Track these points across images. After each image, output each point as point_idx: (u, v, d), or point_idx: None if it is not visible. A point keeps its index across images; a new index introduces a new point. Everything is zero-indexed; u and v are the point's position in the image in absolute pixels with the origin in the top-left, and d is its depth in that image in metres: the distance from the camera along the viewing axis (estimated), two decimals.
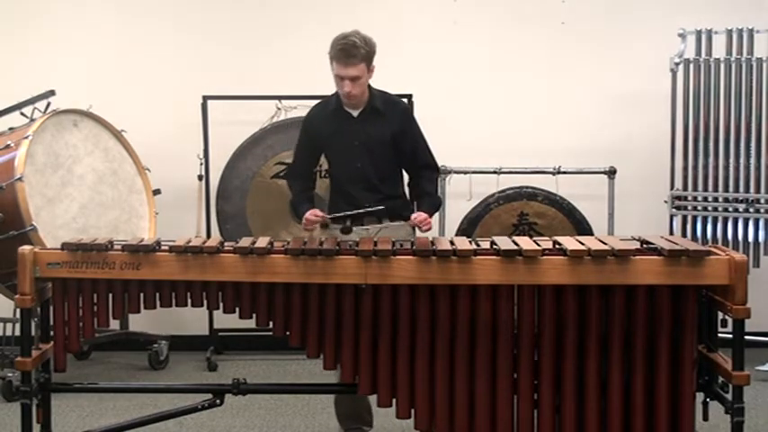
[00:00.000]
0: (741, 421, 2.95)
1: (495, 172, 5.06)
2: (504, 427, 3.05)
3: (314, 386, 3.87)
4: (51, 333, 3.24)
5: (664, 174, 5.12)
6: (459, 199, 5.07)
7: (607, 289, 2.99)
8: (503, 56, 5.39)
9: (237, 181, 5.14)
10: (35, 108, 4.74)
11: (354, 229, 3.72)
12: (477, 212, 5.06)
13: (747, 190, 4.92)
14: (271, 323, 3.13)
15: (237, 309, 3.13)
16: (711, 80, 4.95)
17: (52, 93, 4.78)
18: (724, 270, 2.93)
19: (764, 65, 4.87)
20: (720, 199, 4.98)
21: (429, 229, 3.77)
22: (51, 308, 3.22)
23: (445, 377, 3.06)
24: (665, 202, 5.08)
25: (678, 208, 5.05)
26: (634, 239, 3.18)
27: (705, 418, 3.10)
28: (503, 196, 5.09)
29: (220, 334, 5.28)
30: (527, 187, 5.12)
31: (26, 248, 3.14)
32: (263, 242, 3.13)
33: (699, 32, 4.99)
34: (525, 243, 3.07)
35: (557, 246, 3.07)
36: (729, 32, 4.93)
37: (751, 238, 4.94)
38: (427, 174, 3.93)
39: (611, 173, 5.14)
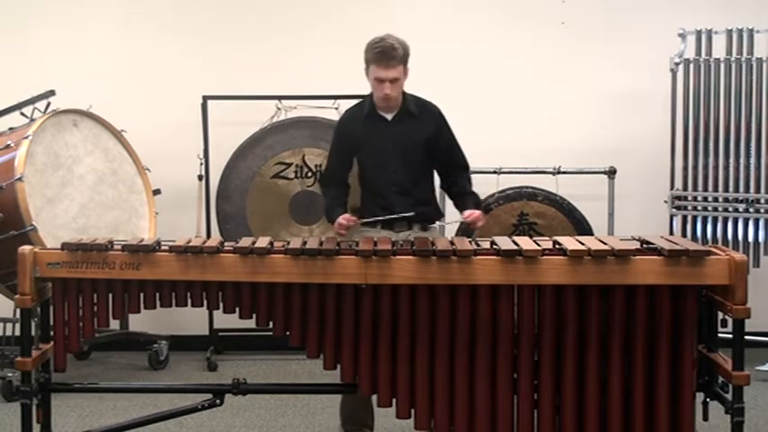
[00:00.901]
0: (741, 421, 2.96)
1: (495, 172, 5.06)
2: (504, 427, 3.05)
3: (314, 386, 3.87)
4: (51, 333, 3.24)
5: (664, 174, 5.12)
6: None
7: (607, 289, 2.99)
8: (502, 56, 5.39)
9: (237, 181, 5.14)
10: (35, 108, 4.74)
11: (384, 232, 3.74)
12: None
13: (747, 190, 4.92)
14: (271, 323, 3.13)
15: (237, 309, 3.13)
16: (711, 80, 4.95)
17: (52, 93, 4.78)
18: (724, 270, 2.93)
19: (764, 65, 4.87)
20: (720, 199, 4.98)
21: (482, 225, 3.84)
22: (51, 308, 3.22)
23: (445, 377, 3.06)
24: (665, 202, 5.08)
25: (678, 208, 5.05)
26: (634, 239, 3.18)
27: (705, 418, 3.10)
28: (503, 196, 5.09)
29: (220, 334, 5.28)
30: (527, 187, 5.12)
31: (26, 248, 3.14)
32: (263, 242, 3.13)
33: (699, 32, 4.99)
34: (525, 243, 3.08)
35: (557, 246, 3.08)
36: (729, 32, 4.93)
37: (751, 238, 4.94)
38: (465, 174, 3.99)
39: (611, 173, 5.14)
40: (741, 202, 4.95)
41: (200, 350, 5.24)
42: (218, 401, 3.37)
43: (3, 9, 5.41)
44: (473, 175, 4.05)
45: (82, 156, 4.78)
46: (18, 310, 3.23)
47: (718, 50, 4.96)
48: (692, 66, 4.98)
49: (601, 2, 5.43)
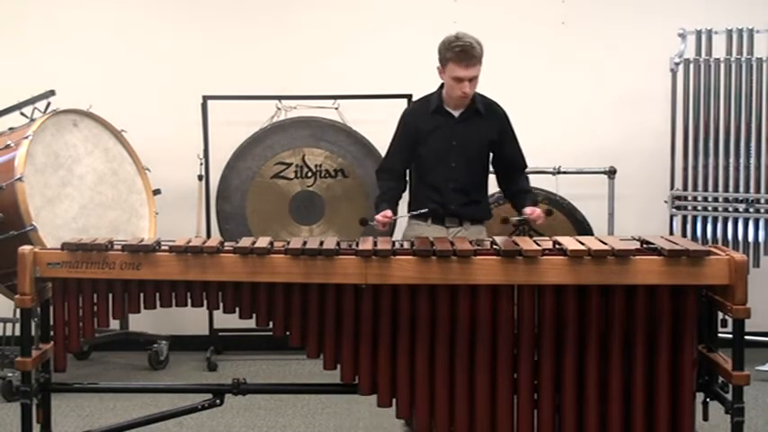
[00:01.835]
0: (741, 421, 2.95)
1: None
2: (504, 427, 3.05)
3: (314, 386, 3.87)
4: (51, 333, 3.24)
5: (664, 174, 5.12)
6: None
7: (607, 289, 2.99)
8: (502, 56, 5.37)
9: (237, 181, 5.14)
10: (35, 108, 4.74)
11: (434, 226, 3.76)
12: None
13: (747, 190, 4.93)
14: (271, 323, 3.13)
15: (237, 309, 3.13)
16: (711, 80, 4.95)
17: (52, 93, 4.78)
18: (724, 270, 2.93)
19: (764, 65, 4.87)
20: (720, 199, 4.98)
21: (541, 223, 3.93)
22: (51, 308, 3.21)
23: (445, 377, 3.05)
24: (665, 202, 5.09)
25: (678, 208, 5.05)
26: (634, 239, 3.18)
27: (705, 418, 3.10)
28: (503, 196, 5.08)
29: (220, 334, 5.28)
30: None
31: (26, 248, 3.13)
32: (263, 242, 3.13)
33: (699, 32, 4.99)
34: (525, 243, 3.08)
35: (557, 246, 3.08)
36: (729, 32, 4.93)
37: (751, 238, 4.94)
38: (524, 174, 4.07)
39: (611, 173, 5.14)
40: (741, 202, 4.95)
41: (200, 350, 5.24)
42: (218, 401, 3.37)
43: (2, 9, 5.41)
44: (488, 181, 4.10)
45: (82, 156, 4.78)
46: (18, 310, 3.22)
47: (718, 50, 4.96)
48: (692, 66, 4.99)
49: (601, 2, 5.43)
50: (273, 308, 3.11)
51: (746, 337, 2.98)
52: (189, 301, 3.14)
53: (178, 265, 3.08)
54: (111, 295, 3.15)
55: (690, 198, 5.03)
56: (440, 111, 3.89)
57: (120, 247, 3.14)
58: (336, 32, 5.43)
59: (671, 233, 5.00)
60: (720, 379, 3.07)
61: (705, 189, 5.00)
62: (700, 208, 5.02)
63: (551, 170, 5.10)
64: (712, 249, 3.02)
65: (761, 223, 4.92)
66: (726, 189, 4.96)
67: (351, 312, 3.07)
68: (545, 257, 2.98)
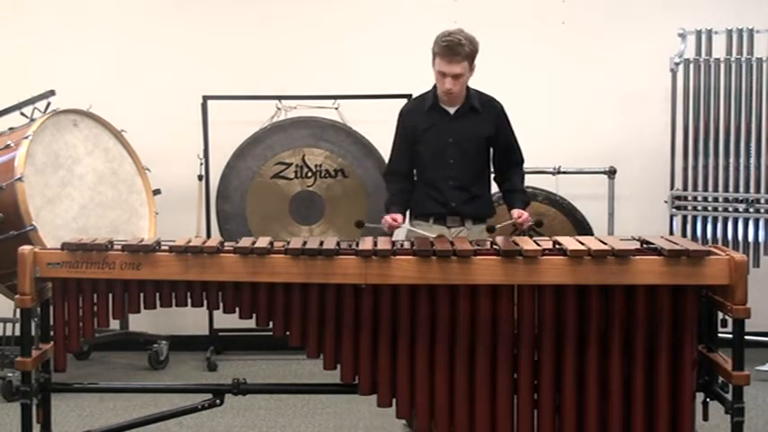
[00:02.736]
0: (741, 421, 2.95)
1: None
2: (504, 427, 3.05)
3: (314, 386, 3.87)
4: (51, 333, 3.24)
5: (664, 174, 5.12)
6: None
7: (607, 289, 2.99)
8: (502, 56, 5.38)
9: (237, 181, 5.14)
10: (35, 108, 4.74)
11: (436, 227, 3.76)
12: None
13: (747, 190, 4.93)
14: (271, 323, 3.13)
15: (237, 309, 3.13)
16: (711, 80, 4.95)
17: (52, 93, 4.78)
18: (724, 270, 2.93)
19: (764, 65, 4.87)
20: (720, 199, 4.98)
21: (529, 225, 3.89)
22: (51, 308, 3.21)
23: (445, 377, 3.05)
24: (665, 202, 5.09)
25: (678, 208, 5.05)
26: (634, 239, 3.18)
27: (705, 418, 3.10)
28: (502, 196, 5.08)
29: (220, 334, 5.28)
30: (527, 187, 5.09)
31: (26, 248, 3.13)
32: (263, 242, 3.13)
33: (699, 32, 4.99)
34: (525, 243, 3.08)
35: (557, 246, 3.08)
36: (729, 32, 4.93)
37: (751, 238, 4.94)
38: (518, 170, 4.04)
39: (611, 173, 5.14)
40: (741, 202, 4.95)
41: (200, 350, 5.24)
42: (218, 401, 3.37)
43: (3, 9, 5.41)
44: (490, 176, 4.09)
45: (82, 156, 4.78)
46: (18, 310, 3.22)
47: (718, 50, 4.96)
48: (692, 66, 4.99)
49: (601, 2, 5.43)
50: (273, 308, 3.11)
51: (746, 337, 2.98)
52: (189, 301, 3.14)
53: (178, 265, 3.08)
54: (111, 295, 3.15)
55: (690, 198, 5.03)
56: (435, 108, 3.88)
57: (120, 247, 3.14)
58: (337, 32, 5.43)
59: (671, 233, 5.00)
60: (720, 379, 3.07)
61: (705, 189, 5.00)
62: (700, 208, 5.02)
63: (551, 170, 5.10)
64: (712, 249, 3.02)
65: (761, 223, 4.92)
66: (726, 189, 4.96)
67: (351, 312, 3.07)
68: (545, 257, 2.98)
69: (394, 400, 3.10)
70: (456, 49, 3.72)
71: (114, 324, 4.43)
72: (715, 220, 5.01)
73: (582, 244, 3.04)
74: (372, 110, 5.13)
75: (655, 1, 5.36)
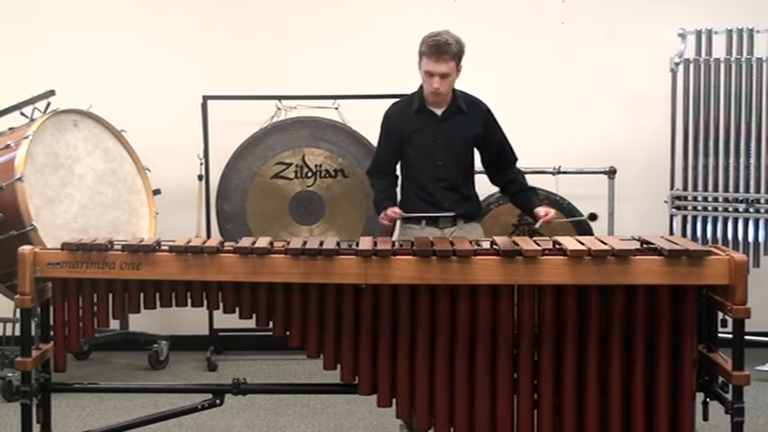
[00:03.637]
0: (741, 421, 2.95)
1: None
2: (504, 427, 3.04)
3: (314, 386, 3.87)
4: (51, 333, 3.24)
5: (664, 174, 5.12)
6: None
7: (607, 289, 2.99)
8: (502, 56, 5.39)
9: (237, 181, 5.14)
10: (35, 108, 4.74)
11: (428, 228, 3.77)
12: None
13: (747, 190, 4.93)
14: (271, 323, 3.13)
15: (237, 309, 3.13)
16: (711, 80, 4.96)
17: (52, 93, 4.78)
18: (724, 270, 2.93)
19: (764, 65, 4.87)
20: (720, 199, 4.98)
21: (554, 219, 3.91)
22: (51, 308, 3.21)
23: (445, 377, 3.05)
24: (665, 202, 5.09)
25: (678, 208, 5.05)
26: (634, 239, 3.18)
27: (705, 418, 3.09)
28: (503, 196, 5.08)
29: (220, 334, 5.28)
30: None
31: (26, 248, 3.13)
32: (263, 242, 3.13)
33: (699, 32, 4.99)
34: (525, 243, 3.07)
35: (557, 246, 3.07)
36: (729, 32, 4.93)
37: (751, 238, 4.94)
38: (517, 169, 4.06)
39: (611, 173, 5.14)
40: (741, 202, 4.95)
41: (200, 350, 5.24)
42: (218, 401, 3.37)
43: (3, 9, 5.42)
44: (475, 176, 4.08)
45: (82, 156, 4.78)
46: (18, 310, 3.22)
47: (719, 50, 4.96)
48: (692, 66, 4.99)
49: (601, 2, 5.43)
50: (273, 308, 3.10)
51: (746, 337, 2.98)
52: (189, 301, 3.14)
53: (178, 265, 3.08)
54: (111, 295, 3.15)
55: (690, 198, 5.03)
56: (422, 110, 3.89)
57: (120, 247, 3.14)
58: (336, 32, 5.43)
59: (671, 233, 5.00)
60: (720, 379, 3.06)
61: (705, 189, 5.00)
62: (700, 208, 5.02)
63: (551, 170, 5.10)
64: (712, 249, 3.02)
65: (761, 223, 4.92)
66: (726, 189, 4.96)
67: (351, 312, 3.07)
68: (545, 257, 2.98)
69: (394, 400, 3.10)
70: (443, 48, 3.73)
71: (114, 324, 4.44)
72: (715, 220, 5.01)
73: (582, 244, 3.04)
74: (372, 110, 5.12)
75: (655, 1, 5.36)
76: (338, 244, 3.12)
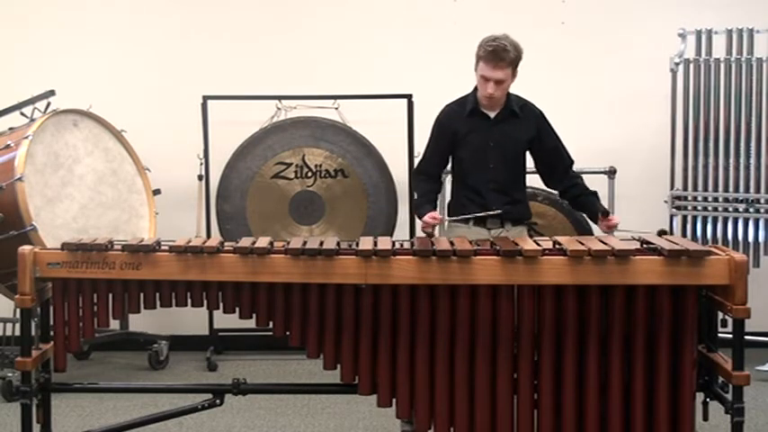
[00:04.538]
0: (741, 421, 2.95)
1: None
2: (503, 427, 3.04)
3: (314, 386, 3.87)
4: (51, 333, 3.24)
5: (664, 174, 5.12)
6: None
7: (607, 289, 2.99)
8: None
9: (237, 181, 5.14)
10: (35, 108, 4.74)
11: (475, 228, 3.78)
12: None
13: (747, 190, 4.93)
14: (271, 323, 3.13)
15: (237, 309, 3.13)
16: (711, 80, 4.96)
17: (52, 93, 4.78)
18: (724, 270, 2.93)
19: (764, 65, 4.87)
20: (720, 199, 4.98)
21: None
22: (51, 308, 3.21)
23: (445, 377, 3.05)
24: (665, 202, 5.09)
25: (678, 208, 5.05)
26: (634, 239, 3.18)
27: (705, 418, 3.09)
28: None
29: (220, 334, 5.28)
30: (527, 187, 5.11)
31: (26, 248, 3.13)
32: (263, 242, 3.13)
33: (699, 32, 4.99)
34: (525, 243, 3.07)
35: (557, 246, 3.07)
36: (729, 32, 4.93)
37: (751, 238, 4.94)
38: (575, 173, 4.09)
39: (611, 173, 5.15)
40: (741, 202, 4.95)
41: (200, 350, 5.24)
42: (218, 401, 3.37)
43: (3, 9, 5.42)
44: (526, 180, 4.10)
45: (82, 156, 4.78)
46: (18, 310, 3.22)
47: (718, 50, 4.96)
48: (692, 66, 4.99)
49: (601, 2, 5.43)
50: (273, 308, 3.10)
51: (746, 337, 2.98)
52: (189, 301, 3.14)
53: (178, 265, 3.08)
54: (111, 295, 3.15)
55: (690, 198, 5.03)
56: (476, 112, 3.90)
57: (120, 247, 3.14)
58: (336, 32, 5.43)
59: (671, 233, 4.99)
60: (720, 379, 3.06)
61: (705, 189, 5.00)
62: (700, 208, 5.02)
63: None
64: (712, 249, 3.02)
65: (761, 223, 4.92)
66: (726, 189, 4.96)
67: (351, 312, 3.07)
68: (545, 257, 2.98)
69: (394, 400, 3.10)
70: (501, 55, 3.74)
71: (114, 324, 4.44)
72: (715, 220, 5.01)
73: (582, 244, 3.04)
74: (372, 110, 5.14)
75: (655, 1, 5.37)
76: (338, 244, 3.12)
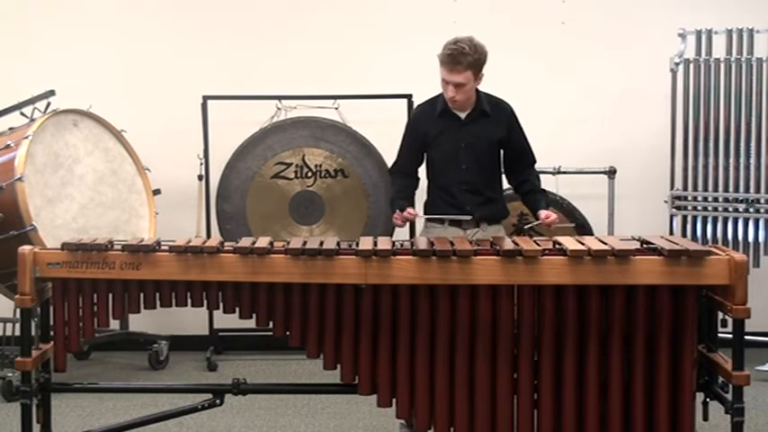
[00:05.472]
0: (741, 421, 2.95)
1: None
2: (503, 427, 3.05)
3: (314, 386, 3.87)
4: (51, 333, 3.24)
5: (664, 174, 5.12)
6: None
7: (607, 289, 2.99)
8: (502, 56, 5.35)
9: (237, 181, 5.14)
10: (35, 108, 4.74)
11: (451, 229, 3.77)
12: None
13: (747, 190, 4.93)
14: (271, 323, 3.13)
15: (237, 309, 3.13)
16: (711, 80, 4.95)
17: (52, 93, 4.78)
18: (724, 270, 2.93)
19: (764, 65, 4.87)
20: (720, 199, 4.98)
21: (555, 223, 3.89)
22: (51, 308, 3.22)
23: (445, 377, 3.05)
24: (665, 202, 5.09)
25: (678, 208, 5.05)
26: (634, 239, 3.18)
27: (705, 418, 3.10)
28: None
29: (220, 334, 5.28)
30: None
31: (26, 248, 3.13)
32: (263, 242, 3.13)
33: (699, 32, 4.99)
34: (525, 243, 3.08)
35: (557, 246, 3.08)
36: (729, 32, 4.93)
37: (751, 238, 4.94)
38: (534, 171, 4.05)
39: (611, 173, 5.14)
40: (741, 202, 4.95)
41: (200, 350, 5.24)
42: (218, 401, 3.37)
43: (3, 9, 5.42)
44: (501, 178, 4.09)
45: (82, 156, 4.78)
46: (18, 310, 3.23)
47: (719, 50, 4.96)
48: (692, 66, 4.99)
49: (601, 2, 5.43)
50: (273, 308, 3.11)
51: (746, 337, 2.98)
52: (189, 301, 3.14)
53: (178, 265, 3.08)
54: (111, 295, 3.15)
55: (690, 198, 5.03)
56: (446, 113, 3.88)
57: (120, 247, 3.14)
58: (336, 32, 5.43)
59: (671, 233, 5.00)
60: (720, 379, 3.07)
61: (705, 189, 5.00)
62: (700, 208, 5.02)
63: (551, 170, 5.10)
64: (712, 249, 3.02)
65: (761, 223, 4.92)
66: (726, 189, 4.96)
67: (351, 312, 3.07)
68: (545, 257, 2.98)
69: (394, 400, 3.10)
70: (458, 59, 3.69)
71: (114, 324, 4.43)
72: (715, 220, 5.01)
73: (582, 244, 3.04)
74: (372, 110, 5.14)
75: (655, 1, 5.36)
76: (338, 244, 3.12)
